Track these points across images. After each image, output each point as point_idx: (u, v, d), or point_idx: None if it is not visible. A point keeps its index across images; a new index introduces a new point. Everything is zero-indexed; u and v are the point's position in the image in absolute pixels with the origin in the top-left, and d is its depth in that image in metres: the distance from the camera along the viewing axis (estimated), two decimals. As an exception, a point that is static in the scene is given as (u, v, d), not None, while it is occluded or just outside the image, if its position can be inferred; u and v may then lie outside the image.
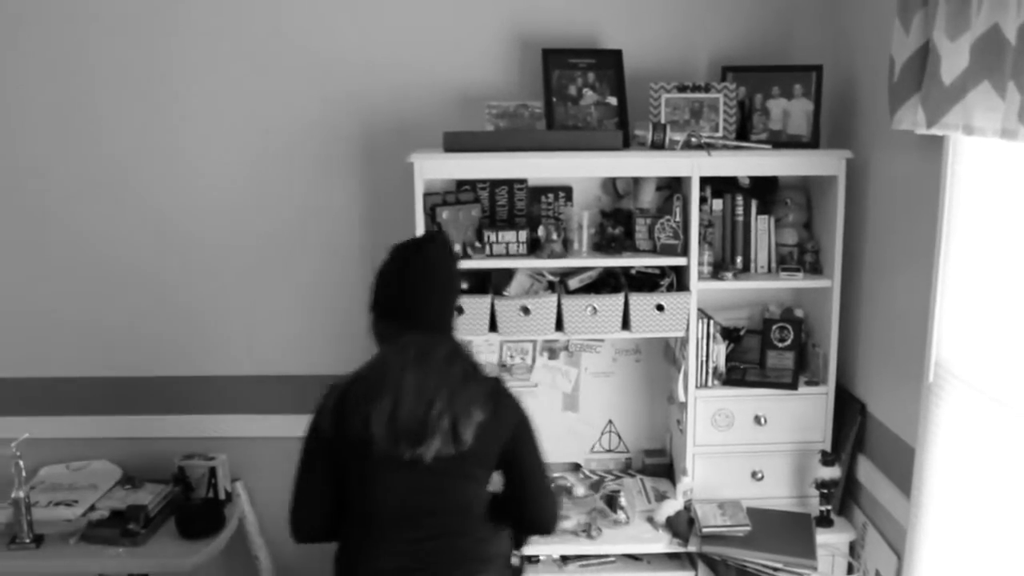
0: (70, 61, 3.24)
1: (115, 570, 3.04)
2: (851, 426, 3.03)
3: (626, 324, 3.02)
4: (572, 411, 3.40)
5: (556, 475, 3.27)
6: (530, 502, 2.36)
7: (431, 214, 2.97)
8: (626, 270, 3.10)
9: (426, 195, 2.95)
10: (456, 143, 2.93)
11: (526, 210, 3.16)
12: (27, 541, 3.01)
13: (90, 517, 3.13)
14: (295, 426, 3.36)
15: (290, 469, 3.42)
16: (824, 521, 3.01)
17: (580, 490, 3.21)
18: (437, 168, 2.94)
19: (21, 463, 3.00)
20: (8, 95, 3.27)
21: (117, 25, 3.22)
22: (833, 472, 2.98)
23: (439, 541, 2.28)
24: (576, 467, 3.39)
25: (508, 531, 2.44)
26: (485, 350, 3.29)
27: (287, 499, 3.41)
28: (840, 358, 3.06)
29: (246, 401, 3.42)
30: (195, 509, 3.23)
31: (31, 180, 3.32)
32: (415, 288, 2.31)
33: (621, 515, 3.03)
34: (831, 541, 2.98)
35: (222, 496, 3.36)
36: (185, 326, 3.41)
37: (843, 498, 3.08)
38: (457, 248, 2.94)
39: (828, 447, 3.05)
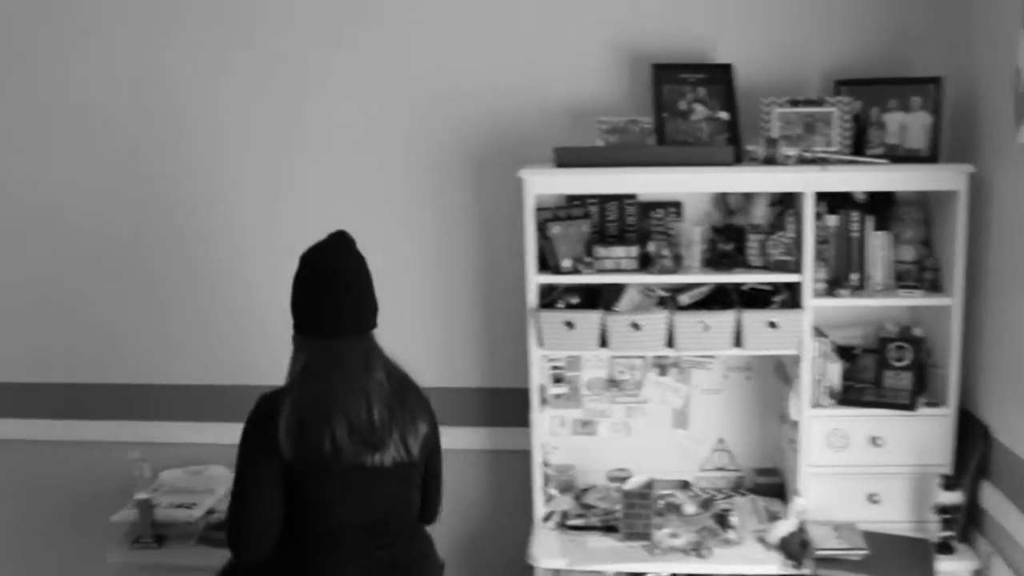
0: (172, 72, 3.39)
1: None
2: (974, 450, 2.92)
3: (738, 341, 2.98)
4: (682, 428, 3.36)
5: (666, 492, 3.24)
6: (432, 504, 2.58)
7: (541, 229, 2.99)
8: (738, 286, 3.06)
9: (537, 210, 2.98)
10: (567, 158, 2.94)
11: (636, 225, 3.15)
12: (150, 540, 3.15)
13: (208, 519, 3.23)
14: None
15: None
16: (945, 548, 2.90)
17: (690, 508, 3.17)
18: (548, 184, 2.97)
19: (145, 467, 3.15)
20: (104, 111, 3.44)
21: (225, 40, 3.35)
22: (955, 497, 2.88)
23: (397, 547, 2.38)
24: (685, 485, 3.35)
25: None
26: (594, 365, 3.29)
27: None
28: (962, 379, 2.96)
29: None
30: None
31: (145, 205, 3.49)
32: (334, 294, 2.31)
33: (732, 535, 2.99)
34: (953, 569, 2.87)
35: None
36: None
37: (966, 525, 2.97)
38: (567, 263, 2.96)
39: (950, 471, 2.95)
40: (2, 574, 3.88)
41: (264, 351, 3.20)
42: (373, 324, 2.40)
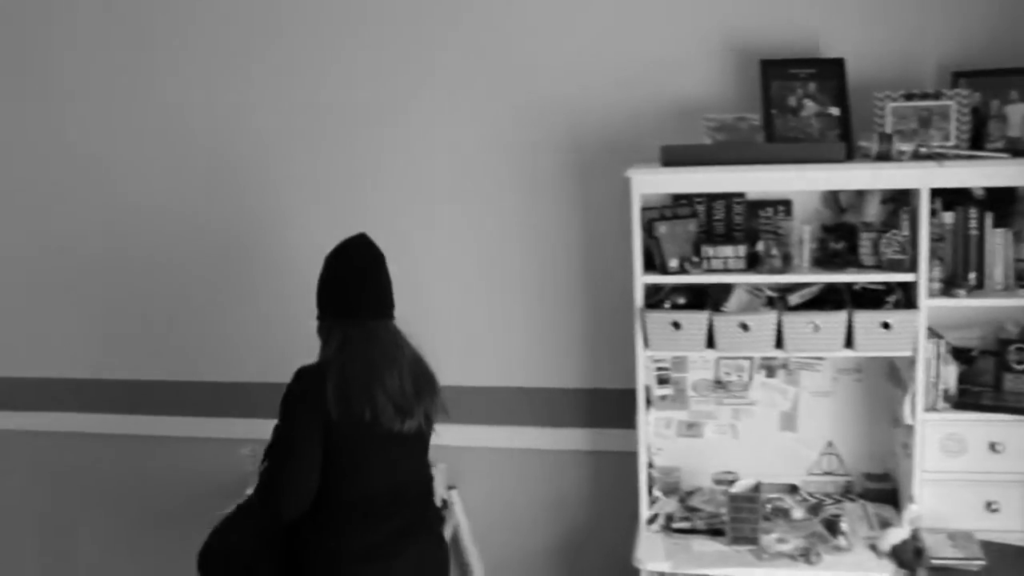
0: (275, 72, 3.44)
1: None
2: (1100, 456, 2.81)
3: (849, 342, 2.90)
4: (790, 431, 3.30)
5: (774, 496, 3.18)
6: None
7: (647, 229, 2.97)
8: (849, 286, 2.98)
9: (643, 209, 2.95)
10: (674, 157, 2.91)
11: (744, 224, 3.10)
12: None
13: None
14: (509, 437, 3.47)
15: (504, 480, 3.52)
16: (1069, 559, 2.80)
17: (798, 513, 3.11)
18: (654, 183, 2.93)
19: (256, 462, 3.19)
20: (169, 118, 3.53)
21: (328, 38, 3.41)
22: (1080, 506, 2.77)
23: (415, 512, 2.66)
24: (793, 489, 3.28)
25: None
26: (701, 366, 3.25)
27: (501, 509, 3.50)
28: (1090, 383, 2.84)
29: (463, 411, 3.49)
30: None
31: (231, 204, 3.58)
32: (367, 284, 2.60)
33: (842, 541, 2.92)
34: (1076, 582, 2.77)
35: (438, 503, 3.45)
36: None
37: (1094, 538, 2.85)
38: (674, 263, 2.92)
39: (1076, 480, 2.84)
40: (115, 567, 4.01)
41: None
42: (392, 313, 2.66)
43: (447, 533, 3.34)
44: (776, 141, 3.02)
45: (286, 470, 2.49)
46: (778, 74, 3.05)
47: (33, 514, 4.07)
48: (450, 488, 3.52)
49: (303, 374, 2.54)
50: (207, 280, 3.67)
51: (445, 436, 3.46)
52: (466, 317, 3.47)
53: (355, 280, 2.60)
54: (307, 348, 3.11)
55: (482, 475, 3.50)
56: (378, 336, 2.58)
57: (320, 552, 2.55)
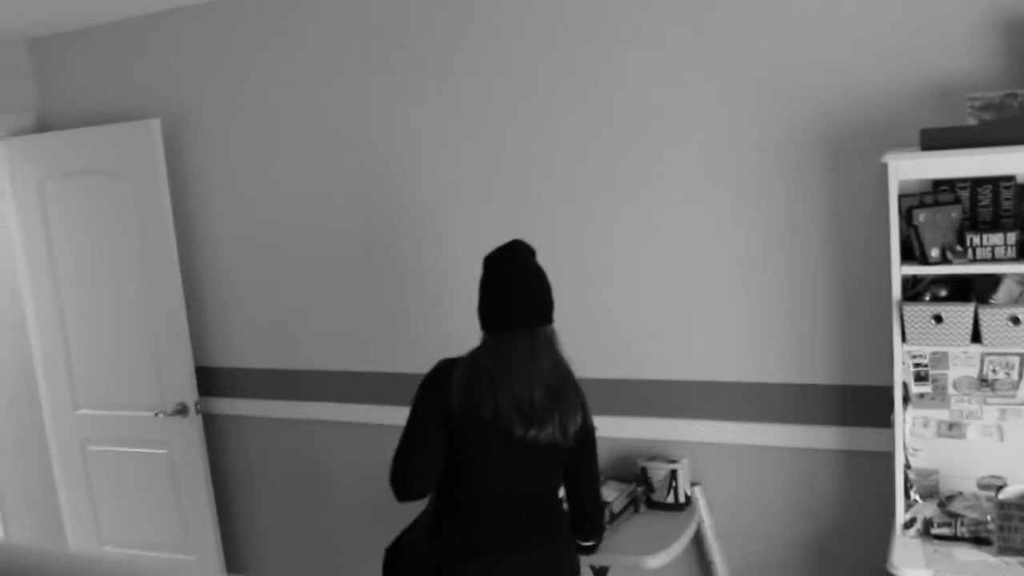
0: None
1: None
2: None
3: None
4: (1065, 434, 3.04)
5: (1047, 505, 2.95)
6: (592, 516, 2.84)
7: (907, 217, 2.81)
8: None
9: (901, 197, 2.79)
10: (935, 140, 2.73)
11: (1013, 210, 2.87)
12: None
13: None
14: (759, 434, 3.38)
15: (752, 478, 3.44)
16: None
17: (1078, 524, 2.87)
18: (914, 168, 2.77)
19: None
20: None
21: (558, 37, 3.44)
22: None
23: (532, 517, 2.68)
24: (1070, 498, 3.03)
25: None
26: (963, 363, 3.04)
27: (749, 508, 3.43)
28: None
29: (710, 407, 3.45)
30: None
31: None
32: (529, 293, 2.67)
33: None
34: None
35: (681, 499, 3.41)
36: (651, 333, 3.52)
37: None
38: (935, 253, 2.75)
39: None
40: (346, 546, 4.24)
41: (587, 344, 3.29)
42: (546, 320, 2.70)
43: (690, 529, 3.30)
44: (1052, 119, 2.79)
45: (406, 449, 2.62)
46: (1054, 46, 2.81)
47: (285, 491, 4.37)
48: (694, 485, 3.47)
49: (439, 365, 2.69)
50: (403, 282, 3.84)
51: (691, 432, 3.47)
52: (716, 311, 3.40)
53: (498, 292, 2.69)
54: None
55: (729, 472, 3.43)
56: (515, 342, 2.64)
57: (421, 542, 2.69)
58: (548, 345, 2.68)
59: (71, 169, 4.33)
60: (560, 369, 2.69)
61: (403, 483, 2.63)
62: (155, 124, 4.09)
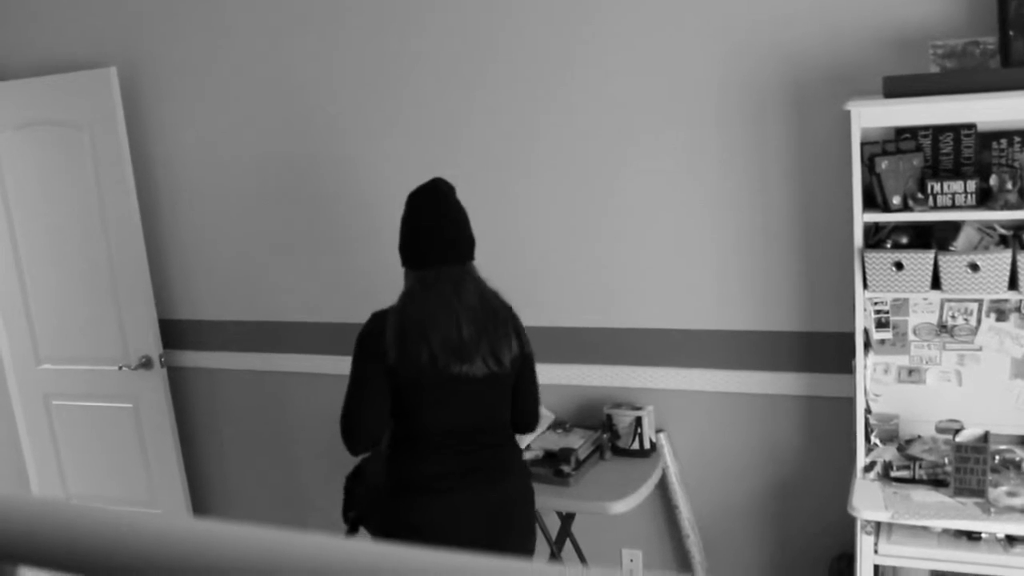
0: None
1: (546, 506, 3.22)
2: None
3: (1094, 283, 2.69)
4: (1022, 379, 3.09)
5: (1003, 447, 3.00)
6: (527, 412, 2.88)
7: (869, 164, 2.82)
8: (1094, 222, 2.75)
9: (863, 144, 2.80)
10: (898, 88, 2.74)
11: (974, 158, 2.89)
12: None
13: (527, 456, 3.33)
14: (722, 381, 3.41)
15: (715, 424, 3.48)
16: None
17: (1032, 465, 2.93)
18: (877, 116, 2.78)
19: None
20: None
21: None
22: None
23: (485, 451, 2.72)
24: (1024, 440, 3.10)
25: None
26: (923, 309, 3.08)
27: (712, 453, 3.47)
28: None
29: (674, 354, 3.47)
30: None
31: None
32: (448, 228, 2.69)
33: (1082, 496, 2.73)
34: None
35: (646, 446, 3.45)
36: (615, 281, 3.52)
37: None
38: (897, 200, 2.77)
39: None
40: (312, 495, 4.22)
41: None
42: (467, 256, 2.73)
43: (654, 475, 3.34)
44: (1013, 66, 2.79)
45: (355, 404, 2.68)
46: (1016, -8, 2.81)
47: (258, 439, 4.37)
48: (658, 431, 3.51)
49: (371, 318, 2.72)
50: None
51: (656, 379, 3.49)
52: (679, 259, 3.41)
53: (420, 228, 2.70)
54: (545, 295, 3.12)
55: (693, 419, 3.47)
56: (439, 282, 2.66)
57: (384, 483, 2.75)
58: (472, 280, 2.71)
59: (24, 120, 4.23)
60: (488, 301, 2.72)
61: (354, 437, 2.70)
62: (111, 72, 4.00)
